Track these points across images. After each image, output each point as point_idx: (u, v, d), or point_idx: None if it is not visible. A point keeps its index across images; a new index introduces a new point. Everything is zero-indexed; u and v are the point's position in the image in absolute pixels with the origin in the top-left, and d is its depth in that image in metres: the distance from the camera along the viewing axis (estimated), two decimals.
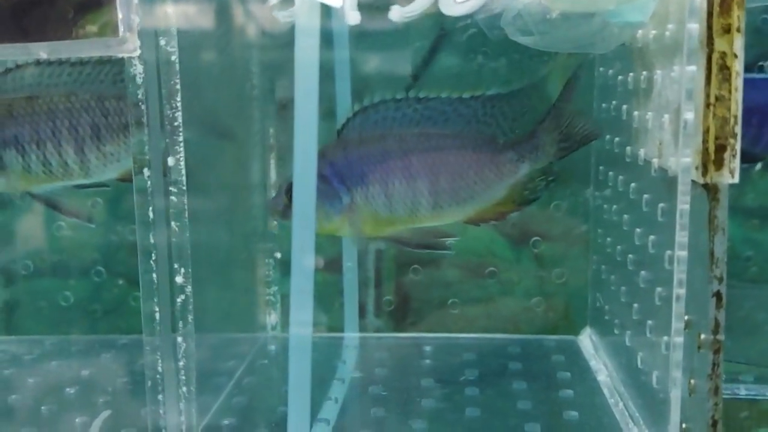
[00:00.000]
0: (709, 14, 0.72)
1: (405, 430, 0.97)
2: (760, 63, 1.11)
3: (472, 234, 1.17)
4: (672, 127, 0.80)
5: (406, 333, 1.30)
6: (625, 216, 1.01)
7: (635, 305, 0.96)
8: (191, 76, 0.84)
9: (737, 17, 0.72)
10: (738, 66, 0.73)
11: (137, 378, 1.11)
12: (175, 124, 0.80)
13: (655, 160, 0.87)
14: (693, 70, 0.74)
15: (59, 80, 1.03)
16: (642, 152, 0.92)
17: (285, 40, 1.18)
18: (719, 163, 0.74)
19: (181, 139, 0.80)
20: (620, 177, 1.04)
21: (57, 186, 1.05)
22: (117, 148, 1.04)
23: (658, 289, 0.85)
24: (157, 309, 0.81)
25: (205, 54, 0.99)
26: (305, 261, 0.82)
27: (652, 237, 0.88)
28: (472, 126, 0.97)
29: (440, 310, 1.30)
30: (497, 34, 0.94)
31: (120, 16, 0.75)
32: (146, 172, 0.79)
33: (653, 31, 0.87)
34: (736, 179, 0.74)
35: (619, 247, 1.05)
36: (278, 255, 1.28)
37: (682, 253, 0.78)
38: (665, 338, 0.82)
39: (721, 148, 0.74)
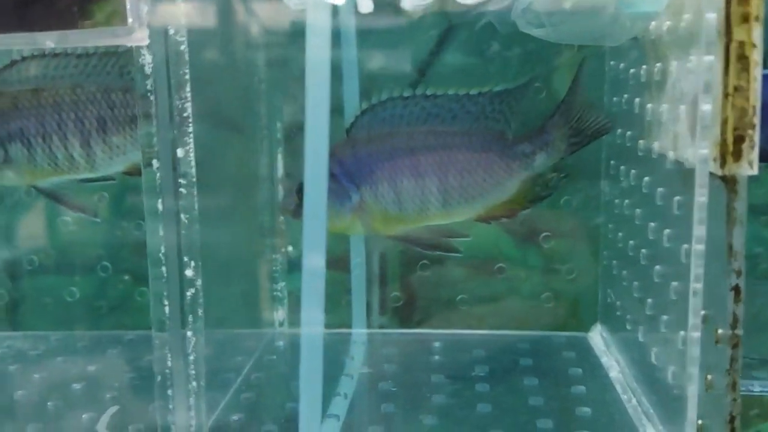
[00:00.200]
0: (727, 3, 0.71)
1: (415, 426, 0.97)
2: None
3: (477, 231, 1.16)
4: (688, 118, 0.79)
5: (411, 329, 1.29)
6: (638, 210, 1.00)
7: (649, 300, 0.95)
8: (199, 67, 0.83)
9: (756, 6, 0.71)
10: (756, 56, 0.72)
11: (144, 374, 1.10)
12: (185, 115, 0.78)
13: (670, 153, 0.85)
14: (711, 60, 0.73)
15: (65, 72, 1.02)
16: (656, 145, 0.91)
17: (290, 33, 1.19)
18: (738, 155, 0.73)
19: (190, 130, 0.79)
20: (633, 171, 1.03)
21: (63, 180, 1.04)
22: (123, 141, 1.03)
23: (674, 283, 0.84)
24: (166, 303, 0.80)
25: (213, 45, 0.98)
26: (316, 259, 0.81)
27: (667, 231, 0.87)
28: (481, 123, 0.96)
29: (446, 308, 1.29)
30: (508, 27, 0.93)
31: (128, 5, 0.74)
32: (155, 164, 0.78)
33: (667, 22, 0.86)
34: (755, 171, 0.73)
35: (631, 242, 1.04)
36: (289, 248, 1.26)
37: (699, 247, 0.76)
38: (681, 333, 0.81)
39: (739, 139, 0.72)
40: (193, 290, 0.82)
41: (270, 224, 1.25)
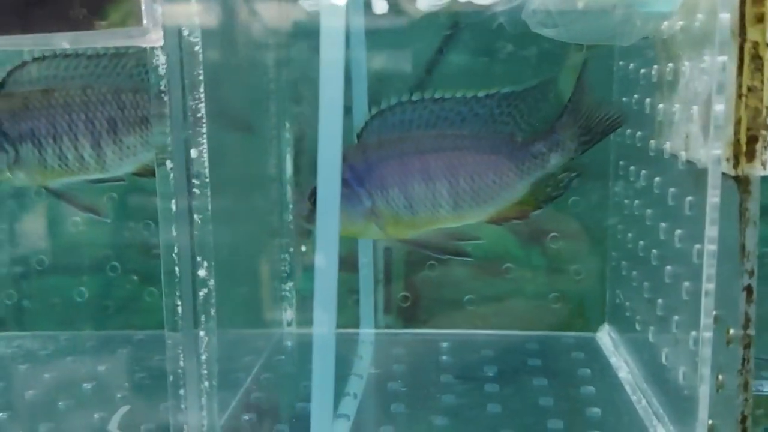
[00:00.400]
0: (742, 3, 0.71)
1: (426, 426, 0.97)
2: None
3: (483, 232, 1.16)
4: (701, 119, 0.79)
5: (418, 329, 1.29)
6: (649, 211, 1.00)
7: (659, 301, 0.95)
8: (211, 68, 0.83)
9: None
10: None
11: (154, 374, 1.11)
12: (198, 115, 0.79)
13: (682, 153, 0.86)
14: (724, 61, 0.73)
15: (75, 73, 1.02)
16: (667, 145, 0.91)
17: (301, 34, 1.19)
18: (751, 155, 0.73)
19: (204, 130, 0.79)
20: (643, 171, 1.03)
21: (73, 180, 1.04)
22: (133, 141, 1.03)
23: (685, 283, 0.84)
24: (179, 303, 0.80)
25: (225, 46, 0.98)
26: (329, 260, 0.81)
27: (678, 231, 0.87)
28: (489, 125, 0.96)
29: (452, 308, 1.29)
30: (518, 27, 0.93)
31: (143, 6, 0.74)
32: (169, 164, 0.78)
33: (680, 22, 0.86)
34: None
35: (641, 242, 1.04)
36: (302, 248, 1.27)
37: (711, 247, 0.76)
38: (693, 334, 0.81)
39: (752, 140, 0.72)
40: (205, 290, 0.82)
41: (278, 224, 1.26)
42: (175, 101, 0.77)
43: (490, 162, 0.96)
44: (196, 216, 0.80)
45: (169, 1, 0.76)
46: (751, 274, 0.75)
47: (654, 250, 0.97)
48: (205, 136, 0.79)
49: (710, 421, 0.79)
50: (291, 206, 1.26)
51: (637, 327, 1.07)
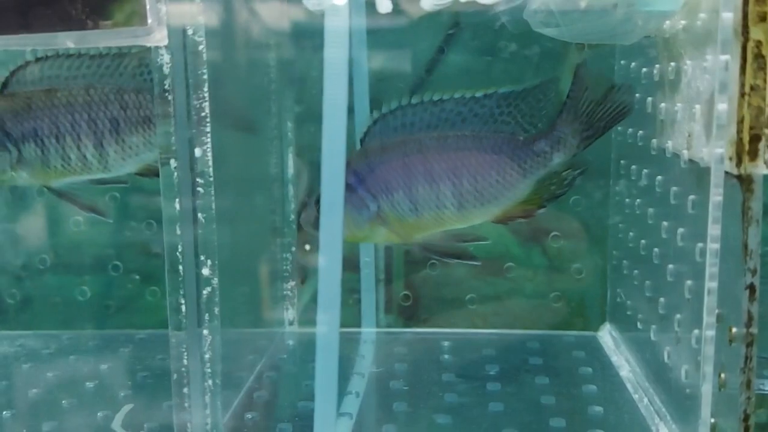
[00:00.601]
0: (744, 2, 0.71)
1: (428, 425, 0.97)
2: None
3: (483, 231, 1.16)
4: (704, 117, 0.79)
5: (420, 328, 1.29)
6: (650, 209, 1.00)
7: (661, 299, 0.95)
8: (214, 67, 0.83)
9: None
10: None
11: (157, 372, 1.11)
12: (202, 114, 0.79)
13: (684, 152, 0.86)
14: (727, 60, 0.73)
15: (78, 73, 1.02)
16: (669, 144, 0.92)
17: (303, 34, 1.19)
18: (754, 154, 0.73)
19: (208, 129, 0.79)
20: (645, 170, 1.03)
21: (75, 180, 1.04)
22: (136, 141, 1.03)
23: (688, 282, 0.84)
24: (183, 301, 0.80)
25: (227, 45, 0.98)
26: (332, 260, 0.82)
27: (680, 230, 0.87)
28: (490, 125, 0.96)
29: (452, 307, 1.29)
30: (520, 26, 0.93)
31: (147, 5, 0.74)
32: (173, 163, 0.78)
33: (682, 21, 0.87)
34: None
35: (643, 241, 1.04)
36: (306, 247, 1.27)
37: (714, 246, 0.77)
38: (695, 332, 0.81)
39: (755, 138, 0.73)
40: (209, 289, 0.82)
41: (280, 223, 1.26)
42: (179, 100, 0.77)
43: (493, 162, 0.96)
44: (200, 215, 0.81)
45: (174, 0, 0.76)
46: (753, 272, 0.75)
47: (656, 249, 0.98)
48: (209, 135, 0.79)
49: (712, 420, 0.79)
50: (293, 206, 1.26)
51: (639, 326, 1.07)
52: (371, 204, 0.95)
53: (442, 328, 1.28)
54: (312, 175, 1.26)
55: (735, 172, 0.74)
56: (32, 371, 1.13)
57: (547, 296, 1.27)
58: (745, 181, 0.74)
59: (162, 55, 0.76)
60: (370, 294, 1.25)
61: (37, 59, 1.02)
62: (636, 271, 1.09)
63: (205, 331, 0.83)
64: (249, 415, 0.98)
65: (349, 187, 0.89)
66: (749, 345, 0.76)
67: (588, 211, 1.24)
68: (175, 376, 0.82)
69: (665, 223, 0.93)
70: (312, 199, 0.96)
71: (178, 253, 0.80)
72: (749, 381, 0.77)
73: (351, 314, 1.26)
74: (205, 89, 0.78)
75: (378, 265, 1.28)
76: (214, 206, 0.81)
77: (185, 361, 0.82)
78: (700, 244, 0.80)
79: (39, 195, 1.27)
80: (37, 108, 1.02)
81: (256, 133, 1.16)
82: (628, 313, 1.13)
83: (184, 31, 0.77)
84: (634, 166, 1.09)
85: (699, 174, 0.81)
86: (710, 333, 0.78)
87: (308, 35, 1.19)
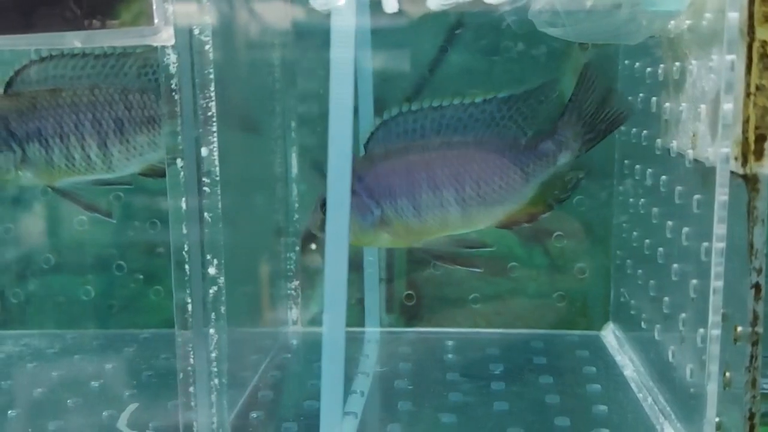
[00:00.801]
0: (750, 2, 0.71)
1: (433, 424, 0.97)
2: None
3: (482, 231, 1.17)
4: (709, 117, 0.79)
5: (423, 328, 1.30)
6: (655, 209, 1.00)
7: (666, 299, 0.95)
8: (220, 67, 0.83)
9: None
10: None
11: (162, 372, 1.11)
12: (209, 114, 0.79)
13: (689, 152, 0.86)
14: (733, 60, 0.73)
15: (82, 73, 1.03)
16: (674, 144, 0.92)
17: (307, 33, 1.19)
18: (759, 153, 0.73)
19: (214, 129, 0.79)
20: (649, 170, 1.03)
21: (79, 180, 1.04)
22: (140, 141, 1.03)
23: (693, 281, 0.84)
24: (189, 301, 0.81)
25: (233, 45, 0.99)
26: (338, 261, 0.82)
27: (685, 229, 0.87)
28: (491, 129, 0.96)
29: (454, 307, 1.30)
30: (524, 26, 0.93)
31: (154, 5, 0.74)
32: (179, 162, 0.79)
33: (687, 21, 0.87)
34: None
35: (647, 240, 1.04)
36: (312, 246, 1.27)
37: (720, 245, 0.77)
38: (701, 331, 0.81)
39: (761, 138, 0.73)
40: (215, 288, 0.82)
41: (283, 223, 1.26)
42: (185, 100, 0.77)
43: (495, 166, 0.96)
44: (206, 214, 0.81)
45: (180, 0, 0.76)
46: (759, 271, 0.75)
47: (660, 249, 0.98)
48: (215, 134, 0.80)
49: (718, 419, 0.79)
50: (296, 206, 1.27)
51: (643, 325, 1.07)
52: (375, 209, 0.95)
53: (446, 328, 1.28)
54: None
55: (740, 171, 0.74)
56: (37, 371, 1.13)
57: (549, 296, 1.27)
58: (750, 181, 0.74)
59: (169, 54, 0.76)
60: (373, 293, 1.26)
61: (42, 59, 1.02)
62: (640, 271, 1.09)
63: (212, 330, 0.83)
64: (254, 415, 0.99)
65: (353, 193, 0.90)
66: (755, 344, 0.76)
67: (591, 211, 1.24)
68: (181, 375, 0.83)
69: (670, 223, 0.94)
70: (317, 201, 0.96)
71: (184, 253, 0.80)
72: (755, 380, 0.77)
73: (354, 314, 1.26)
74: (212, 89, 0.79)
75: (381, 265, 1.28)
76: (220, 205, 0.81)
77: (191, 360, 0.82)
78: (705, 244, 0.80)
79: (43, 195, 1.27)
80: (41, 108, 1.02)
81: (260, 133, 1.16)
82: (632, 312, 1.13)
83: (191, 31, 0.78)
84: (638, 166, 1.09)
85: (704, 174, 0.81)
86: (715, 332, 0.78)
87: (313, 35, 1.19)
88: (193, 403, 0.83)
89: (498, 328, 1.28)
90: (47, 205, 1.28)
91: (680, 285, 0.89)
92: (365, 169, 0.96)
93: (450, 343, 1.23)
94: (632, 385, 1.06)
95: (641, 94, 1.06)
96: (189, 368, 0.82)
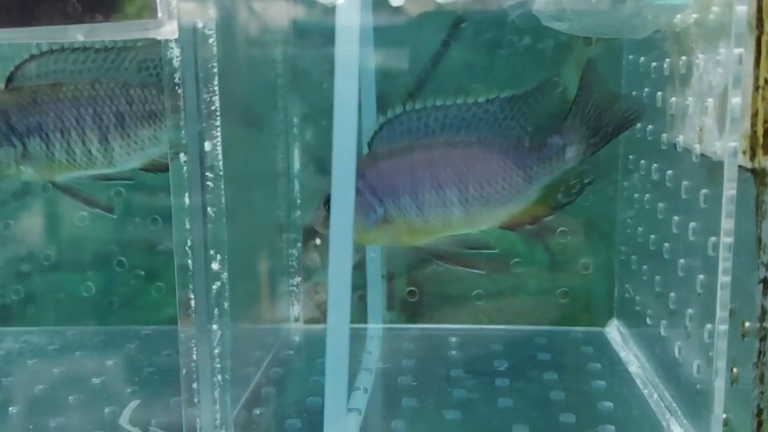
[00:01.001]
0: None
1: (437, 420, 0.97)
2: None
3: (484, 231, 1.16)
4: (716, 111, 0.79)
5: (427, 324, 1.29)
6: (660, 204, 1.00)
7: (672, 294, 0.95)
8: (223, 61, 0.82)
9: None
10: None
11: (164, 368, 1.10)
12: (212, 108, 0.78)
13: (695, 146, 0.85)
14: (741, 53, 0.73)
15: (83, 67, 1.02)
16: (680, 139, 0.91)
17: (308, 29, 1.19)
18: None
19: (218, 123, 0.78)
20: (654, 165, 1.03)
21: (80, 175, 1.03)
22: (141, 136, 1.03)
23: (700, 277, 0.84)
24: (192, 297, 0.80)
25: (236, 40, 0.98)
26: (343, 257, 0.81)
27: (692, 224, 0.87)
28: (494, 130, 0.96)
29: (457, 303, 1.29)
30: (529, 21, 0.93)
31: None
32: (182, 157, 0.78)
33: (694, 15, 0.86)
34: None
35: (652, 236, 1.04)
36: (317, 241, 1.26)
37: (727, 240, 0.76)
38: (708, 327, 0.81)
39: None
40: (219, 284, 0.82)
41: (286, 219, 1.25)
42: (189, 94, 0.77)
43: (498, 167, 0.96)
44: (209, 209, 0.80)
45: None
46: (767, 266, 0.75)
47: (666, 244, 0.97)
48: (219, 129, 0.79)
49: (725, 415, 0.79)
50: (298, 201, 1.26)
51: (648, 321, 1.07)
52: (378, 208, 0.95)
53: (449, 324, 1.28)
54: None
55: (749, 165, 0.73)
56: (38, 367, 1.12)
57: (552, 292, 1.27)
58: (759, 175, 0.73)
59: (172, 48, 0.76)
60: (376, 290, 1.25)
61: (42, 53, 1.01)
62: (645, 267, 1.08)
63: (215, 327, 0.82)
64: (257, 411, 0.98)
65: (356, 191, 0.89)
66: (762, 339, 0.76)
67: (595, 207, 1.24)
68: (184, 371, 0.82)
69: (676, 218, 0.93)
70: (320, 199, 0.95)
71: (187, 248, 0.79)
72: (762, 376, 0.76)
73: (356, 310, 1.25)
74: (215, 83, 0.78)
75: (383, 261, 1.28)
76: (223, 200, 0.80)
77: (194, 357, 0.82)
78: (712, 239, 0.79)
79: (44, 191, 1.27)
80: (42, 102, 1.01)
81: (262, 129, 1.16)
82: (637, 308, 1.13)
83: (195, 25, 0.77)
84: (643, 161, 1.08)
85: (711, 168, 0.81)
86: (723, 327, 0.77)
87: (318, 31, 1.19)
88: (196, 400, 0.82)
89: (502, 324, 1.28)
90: (47, 201, 1.28)
91: (687, 280, 0.89)
92: (368, 167, 0.95)
93: (453, 339, 1.23)
94: (637, 381, 1.06)
95: (646, 89, 1.05)
96: (192, 364, 0.82)
